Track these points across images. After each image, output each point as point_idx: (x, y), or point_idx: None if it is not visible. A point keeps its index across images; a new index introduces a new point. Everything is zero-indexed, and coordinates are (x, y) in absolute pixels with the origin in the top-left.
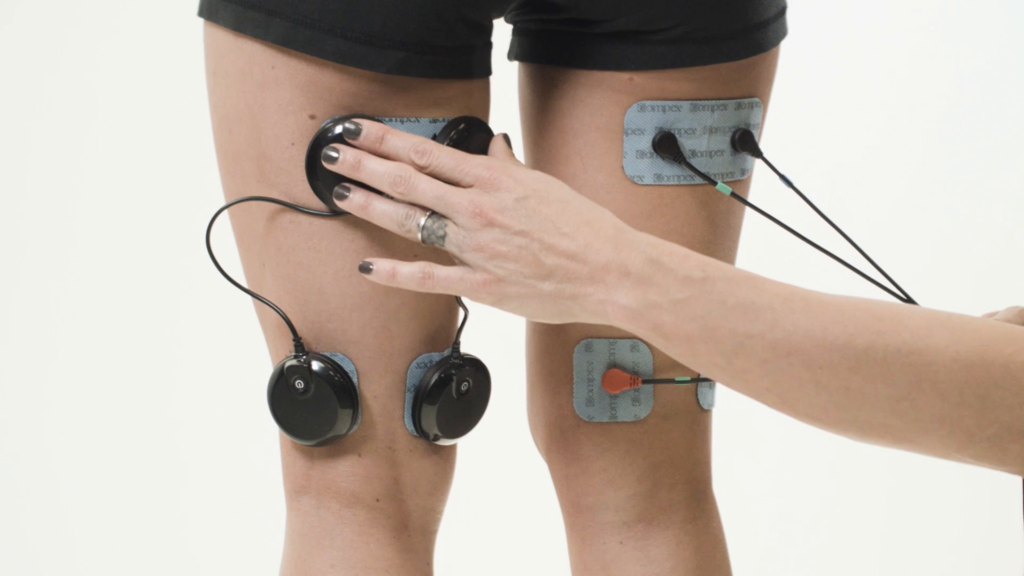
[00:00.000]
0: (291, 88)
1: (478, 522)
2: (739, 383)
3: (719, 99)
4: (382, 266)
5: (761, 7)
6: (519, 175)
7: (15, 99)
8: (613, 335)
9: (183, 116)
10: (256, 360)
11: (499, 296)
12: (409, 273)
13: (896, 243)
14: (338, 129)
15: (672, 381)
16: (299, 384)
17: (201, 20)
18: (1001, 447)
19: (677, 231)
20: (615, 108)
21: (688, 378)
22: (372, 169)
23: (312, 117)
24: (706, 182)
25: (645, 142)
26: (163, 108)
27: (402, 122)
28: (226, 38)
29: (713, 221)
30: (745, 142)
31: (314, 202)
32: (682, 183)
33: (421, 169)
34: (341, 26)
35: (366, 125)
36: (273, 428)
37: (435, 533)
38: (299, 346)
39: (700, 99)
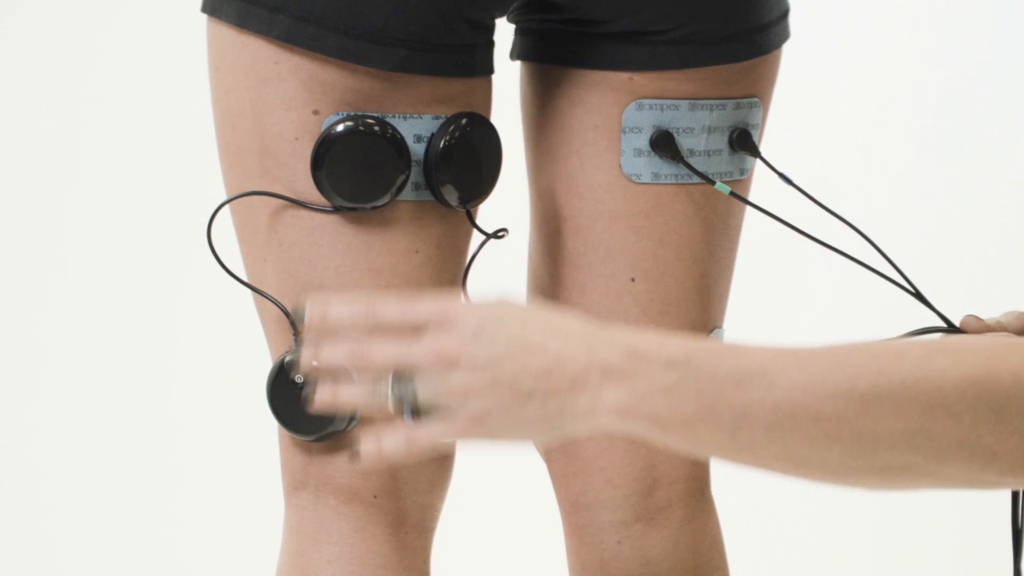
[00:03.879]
0: (294, 84)
1: (476, 520)
2: (748, 456)
3: (718, 99)
4: (367, 447)
5: (763, 10)
6: (471, 305)
7: (17, 95)
8: None
9: (184, 111)
10: (255, 356)
11: (485, 434)
12: (394, 443)
13: (896, 241)
14: (340, 128)
15: None
16: (298, 379)
17: (204, 16)
18: None
19: (675, 231)
20: (614, 107)
21: None
22: (328, 355)
23: (315, 113)
24: (704, 182)
25: (643, 140)
26: (165, 103)
27: (405, 119)
28: (229, 34)
29: (712, 221)
30: (743, 142)
31: (316, 197)
32: (680, 182)
33: (373, 329)
34: (344, 23)
35: (308, 309)
36: (271, 424)
37: (433, 531)
38: (299, 340)
39: (699, 99)
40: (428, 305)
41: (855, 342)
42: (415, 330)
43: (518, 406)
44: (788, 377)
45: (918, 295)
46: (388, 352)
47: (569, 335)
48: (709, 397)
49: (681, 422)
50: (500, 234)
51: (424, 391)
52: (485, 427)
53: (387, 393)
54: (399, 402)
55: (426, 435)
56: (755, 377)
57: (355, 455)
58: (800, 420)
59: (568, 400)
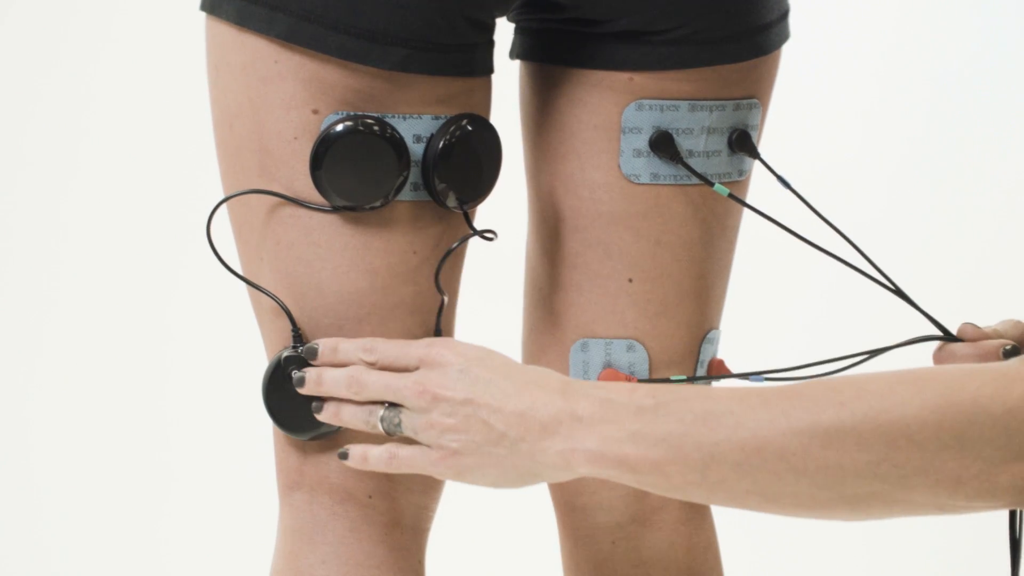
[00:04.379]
0: (294, 83)
1: (471, 521)
2: (719, 494)
3: (718, 99)
4: (355, 451)
5: (763, 10)
6: (459, 348)
7: (15, 93)
8: (609, 335)
9: (183, 110)
10: (250, 355)
11: (458, 468)
12: (377, 456)
13: (891, 244)
14: (339, 128)
15: (668, 380)
16: (296, 376)
17: (202, 14)
18: (990, 481)
19: (673, 231)
20: (613, 107)
21: (683, 376)
22: (331, 378)
23: (315, 112)
24: (703, 183)
25: (642, 141)
26: (163, 102)
27: (404, 119)
28: (229, 32)
29: (710, 222)
30: (742, 143)
31: (315, 197)
32: (679, 183)
33: (372, 365)
34: (344, 22)
35: (321, 343)
36: (266, 423)
37: (427, 532)
38: (297, 337)
39: (699, 99)
40: (420, 346)
41: (819, 379)
42: (408, 367)
43: (490, 444)
44: (753, 416)
45: (914, 304)
46: (379, 380)
47: (546, 384)
48: (677, 439)
49: (651, 465)
50: (488, 235)
51: (407, 422)
52: (457, 462)
53: (379, 417)
54: (388, 427)
55: (406, 456)
56: (721, 417)
57: (343, 455)
58: (767, 456)
59: (539, 444)
